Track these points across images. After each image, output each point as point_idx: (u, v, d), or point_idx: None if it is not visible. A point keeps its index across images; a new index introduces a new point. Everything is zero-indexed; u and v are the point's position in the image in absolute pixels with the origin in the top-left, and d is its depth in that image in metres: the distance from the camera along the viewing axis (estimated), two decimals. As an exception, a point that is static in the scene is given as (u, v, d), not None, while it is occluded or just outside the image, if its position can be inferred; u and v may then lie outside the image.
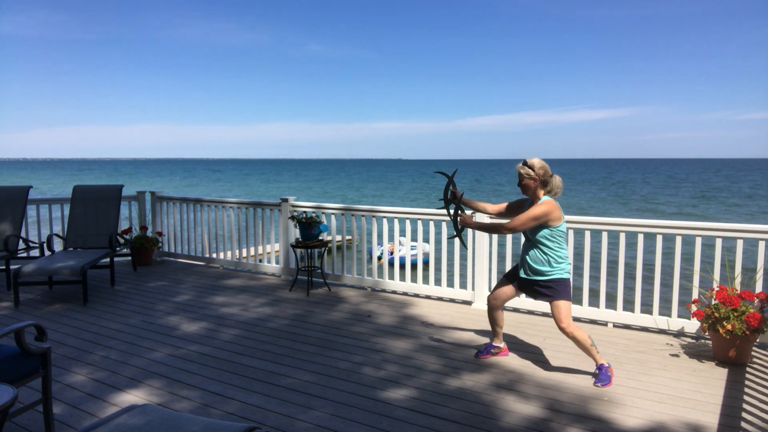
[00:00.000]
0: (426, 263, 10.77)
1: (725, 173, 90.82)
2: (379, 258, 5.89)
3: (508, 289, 3.95)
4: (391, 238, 6.69)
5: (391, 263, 5.95)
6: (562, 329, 3.68)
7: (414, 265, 5.97)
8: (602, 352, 3.99)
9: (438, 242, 5.93)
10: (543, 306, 5.11)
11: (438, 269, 6.16)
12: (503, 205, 4.08)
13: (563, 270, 3.71)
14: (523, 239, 3.91)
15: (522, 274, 3.84)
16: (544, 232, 3.67)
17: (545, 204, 3.64)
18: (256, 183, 73.19)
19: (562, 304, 3.67)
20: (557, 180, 3.72)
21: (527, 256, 3.78)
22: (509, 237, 5.24)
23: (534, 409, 3.25)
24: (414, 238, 5.97)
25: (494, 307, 4.00)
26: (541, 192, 3.72)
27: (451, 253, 5.67)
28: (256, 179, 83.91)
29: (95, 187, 7.06)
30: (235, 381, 3.66)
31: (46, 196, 9.56)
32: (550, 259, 3.69)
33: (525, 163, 3.72)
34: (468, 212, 4.72)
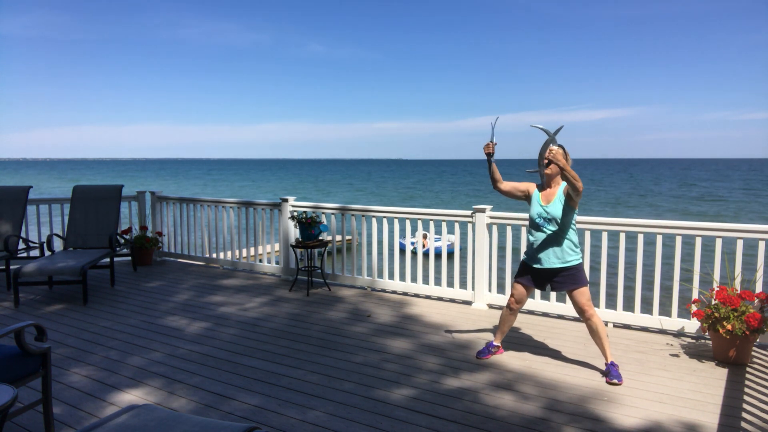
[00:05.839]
0: (451, 253, 10.59)
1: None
2: (414, 252, 5.91)
3: (527, 290, 3.89)
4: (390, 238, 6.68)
5: (426, 254, 5.97)
6: (588, 317, 3.63)
7: (438, 255, 5.98)
8: (602, 351, 3.99)
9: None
10: (542, 306, 5.11)
11: (438, 269, 6.15)
12: (511, 184, 3.83)
13: (580, 256, 3.72)
14: (534, 232, 3.72)
15: (546, 265, 3.68)
16: (574, 215, 3.63)
17: None
18: (256, 182, 73.18)
19: (587, 291, 3.66)
20: None
21: (556, 245, 3.62)
22: (509, 234, 5.25)
23: (534, 408, 3.25)
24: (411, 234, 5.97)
25: (514, 311, 3.92)
26: (556, 185, 3.65)
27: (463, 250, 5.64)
28: (255, 179, 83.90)
29: (95, 187, 7.06)
30: (235, 381, 3.66)
31: (46, 196, 9.55)
32: (573, 244, 3.68)
33: (559, 145, 3.49)
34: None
